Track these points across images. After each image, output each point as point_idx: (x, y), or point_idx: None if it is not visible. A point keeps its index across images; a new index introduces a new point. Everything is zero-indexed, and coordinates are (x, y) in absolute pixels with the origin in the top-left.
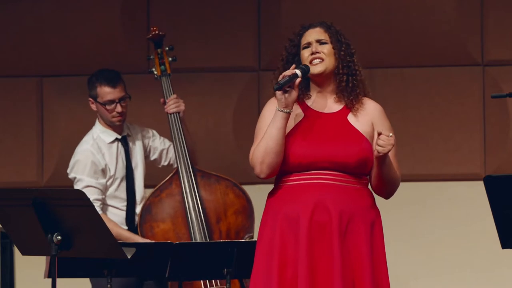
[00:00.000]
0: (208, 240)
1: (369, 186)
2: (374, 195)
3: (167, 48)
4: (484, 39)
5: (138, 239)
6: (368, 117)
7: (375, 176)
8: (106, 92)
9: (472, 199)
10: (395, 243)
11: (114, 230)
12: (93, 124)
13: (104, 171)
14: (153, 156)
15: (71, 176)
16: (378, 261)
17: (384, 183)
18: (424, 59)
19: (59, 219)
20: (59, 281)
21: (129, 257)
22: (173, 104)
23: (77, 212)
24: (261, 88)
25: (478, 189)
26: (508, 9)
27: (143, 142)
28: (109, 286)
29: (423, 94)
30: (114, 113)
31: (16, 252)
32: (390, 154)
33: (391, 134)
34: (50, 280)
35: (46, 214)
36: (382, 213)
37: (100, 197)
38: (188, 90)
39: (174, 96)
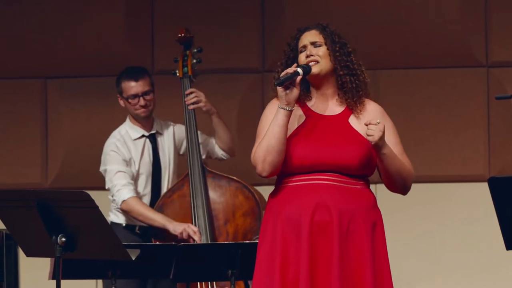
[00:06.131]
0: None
1: (371, 187)
2: (381, 195)
3: (195, 50)
4: (488, 41)
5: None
6: (369, 120)
7: (382, 171)
8: (129, 86)
9: (476, 200)
10: (399, 244)
11: (147, 214)
12: (97, 125)
13: (129, 163)
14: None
15: (101, 169)
16: (380, 262)
17: (392, 175)
18: (428, 61)
19: (63, 221)
20: (64, 282)
21: (133, 258)
22: (192, 95)
23: (81, 213)
24: (265, 89)
25: (482, 190)
26: None
27: (174, 139)
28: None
29: (427, 96)
30: (137, 106)
31: (21, 253)
32: (396, 152)
33: (378, 121)
34: (54, 281)
35: (50, 215)
36: (386, 214)
37: (132, 181)
38: None
39: (193, 89)
